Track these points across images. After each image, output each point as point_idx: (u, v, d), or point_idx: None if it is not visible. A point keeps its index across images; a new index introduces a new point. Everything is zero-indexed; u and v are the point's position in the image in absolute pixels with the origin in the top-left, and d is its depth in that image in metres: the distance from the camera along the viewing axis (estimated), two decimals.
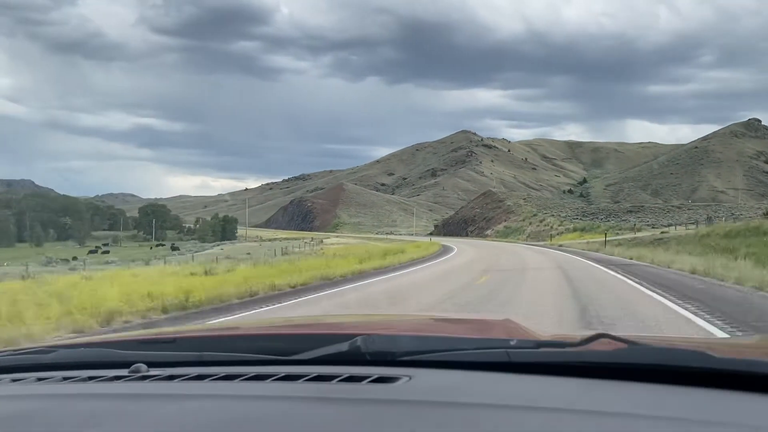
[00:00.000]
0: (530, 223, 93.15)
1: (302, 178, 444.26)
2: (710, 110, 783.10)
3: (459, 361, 1.54)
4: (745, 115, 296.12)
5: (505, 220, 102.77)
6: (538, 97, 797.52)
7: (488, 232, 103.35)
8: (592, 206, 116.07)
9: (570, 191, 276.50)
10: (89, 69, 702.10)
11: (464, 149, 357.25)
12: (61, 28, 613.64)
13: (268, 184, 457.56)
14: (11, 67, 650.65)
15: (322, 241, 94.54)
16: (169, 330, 2.74)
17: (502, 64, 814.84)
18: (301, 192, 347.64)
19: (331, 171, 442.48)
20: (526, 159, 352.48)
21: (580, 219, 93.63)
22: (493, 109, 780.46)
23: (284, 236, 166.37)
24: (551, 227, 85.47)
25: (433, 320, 3.02)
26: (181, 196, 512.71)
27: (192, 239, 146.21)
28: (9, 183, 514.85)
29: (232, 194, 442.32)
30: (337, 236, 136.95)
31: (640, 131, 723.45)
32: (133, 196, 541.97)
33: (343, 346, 1.61)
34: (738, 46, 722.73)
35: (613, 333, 1.59)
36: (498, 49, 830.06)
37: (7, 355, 1.89)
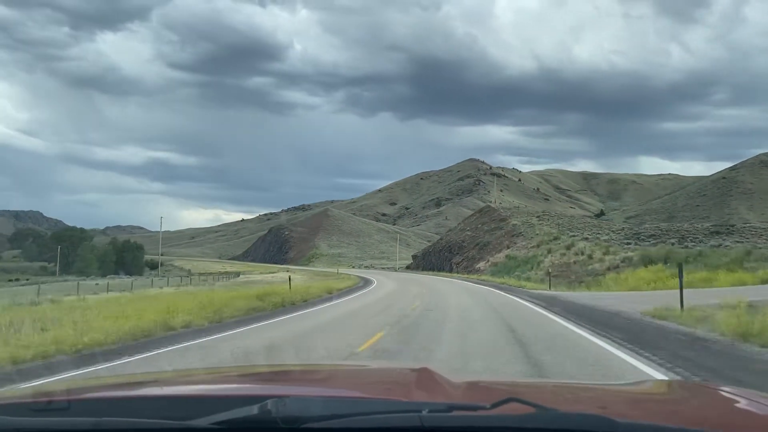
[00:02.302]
0: (549, 251, 52.60)
1: (302, 208, 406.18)
2: (722, 147, 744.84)
3: (374, 427, 1.49)
4: (757, 152, 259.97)
5: (508, 247, 62.27)
6: (550, 134, 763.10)
7: (481, 264, 62.74)
8: (645, 225, 75.14)
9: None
10: (105, 103, 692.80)
11: (471, 177, 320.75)
12: (79, 64, 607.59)
13: (266, 214, 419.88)
14: (30, 102, 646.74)
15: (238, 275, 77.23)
16: (61, 390, 2.28)
17: (513, 100, 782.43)
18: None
19: (332, 201, 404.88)
20: (537, 189, 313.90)
21: (634, 244, 53.08)
22: (504, 144, 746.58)
23: (221, 269, 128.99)
24: (589, 256, 45.16)
25: (346, 372, 2.91)
26: (188, 229, 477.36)
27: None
28: (17, 214, 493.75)
29: (226, 225, 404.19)
30: (286, 271, 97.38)
31: (651, 167, 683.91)
32: (141, 228, 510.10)
33: (252, 410, 1.51)
34: (750, 83, 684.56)
35: (523, 396, 1.58)
36: (509, 86, 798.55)
37: None
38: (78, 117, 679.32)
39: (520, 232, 66.08)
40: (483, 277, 53.33)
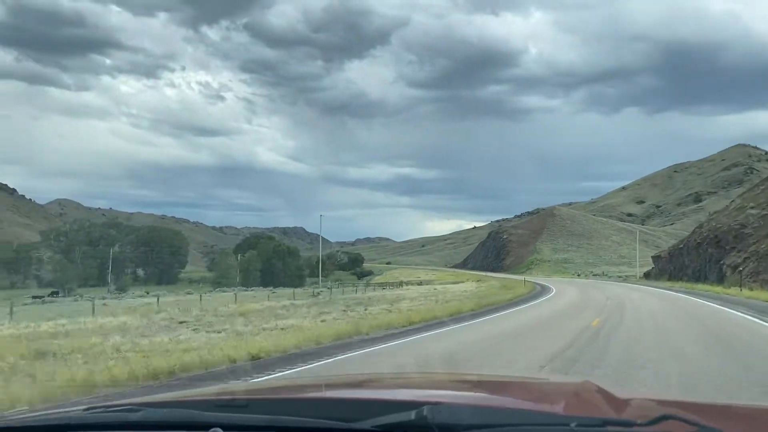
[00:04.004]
0: None
1: (535, 213, 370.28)
2: None
3: None
4: None
5: None
6: None
7: None
8: None
9: None
10: (355, 127, 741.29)
11: (741, 166, 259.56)
12: (331, 92, 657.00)
13: (498, 221, 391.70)
14: (294, 131, 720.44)
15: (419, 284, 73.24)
16: (242, 390, 2.98)
17: None
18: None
19: (570, 204, 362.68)
20: None
21: None
22: None
23: (414, 277, 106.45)
24: None
25: (504, 383, 2.91)
26: (420, 238, 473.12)
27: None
28: (284, 230, 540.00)
29: (456, 233, 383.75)
30: (477, 280, 70.65)
31: None
32: (387, 239, 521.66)
33: (410, 415, 1.57)
34: None
35: (683, 414, 1.51)
36: None
37: (99, 412, 1.95)
38: (333, 141, 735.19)
39: None
40: None
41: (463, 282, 77.36)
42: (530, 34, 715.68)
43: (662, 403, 2.08)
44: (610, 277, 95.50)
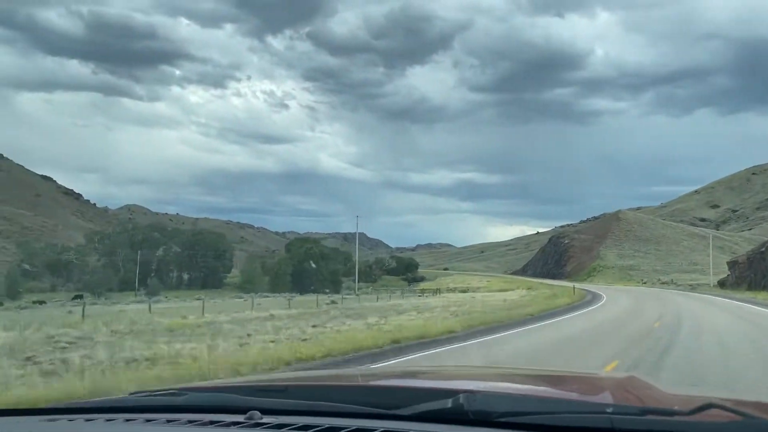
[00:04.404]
0: None
1: (600, 218, 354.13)
2: None
3: (561, 425, 1.49)
4: None
5: None
6: None
7: None
8: None
9: None
10: (416, 132, 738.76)
11: None
12: (393, 98, 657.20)
13: (562, 226, 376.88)
14: (356, 138, 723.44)
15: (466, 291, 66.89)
16: (282, 377, 3.06)
17: None
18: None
19: (638, 208, 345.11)
20: None
21: None
22: None
23: (479, 284, 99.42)
24: None
25: (542, 375, 2.89)
26: (480, 244, 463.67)
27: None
28: (345, 236, 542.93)
29: (518, 239, 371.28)
30: (528, 288, 64.04)
31: None
32: (448, 245, 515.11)
33: (446, 403, 1.60)
34: None
35: (727, 404, 1.45)
36: None
37: (144, 396, 2.06)
38: (394, 147, 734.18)
39: None
40: None
41: (512, 290, 70.82)
42: (597, 35, 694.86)
43: (708, 398, 1.98)
44: (678, 285, 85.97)
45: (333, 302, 44.39)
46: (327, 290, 78.22)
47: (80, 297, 68.16)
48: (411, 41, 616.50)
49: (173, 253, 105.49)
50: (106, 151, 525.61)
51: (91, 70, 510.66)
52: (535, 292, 54.07)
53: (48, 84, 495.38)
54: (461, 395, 1.57)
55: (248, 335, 15.76)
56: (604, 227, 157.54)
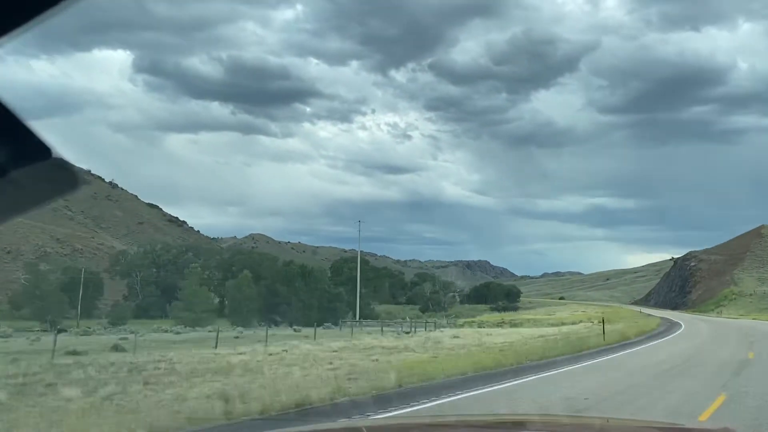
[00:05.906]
0: None
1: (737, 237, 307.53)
2: None
3: None
4: None
5: None
6: None
7: None
8: None
9: None
10: (542, 157, 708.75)
11: None
12: (517, 124, 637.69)
13: (706, 250, 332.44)
14: (479, 165, 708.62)
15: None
16: (366, 425, 3.23)
17: None
18: None
19: None
20: None
21: None
22: None
23: (575, 317, 79.87)
24: None
25: (635, 427, 2.73)
26: (607, 271, 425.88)
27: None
28: (468, 264, 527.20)
29: (650, 265, 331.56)
30: (600, 321, 45.04)
31: None
32: (578, 273, 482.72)
33: None
34: None
35: None
36: None
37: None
38: (519, 173, 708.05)
39: None
40: None
41: (579, 322, 52.87)
42: (739, 47, 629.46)
43: None
44: None
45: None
46: (324, 320, 62.36)
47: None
48: (535, 65, 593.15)
49: (204, 276, 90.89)
50: (245, 185, 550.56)
51: (230, 110, 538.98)
52: (586, 329, 36.92)
53: (193, 125, 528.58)
54: None
55: None
56: (741, 246, 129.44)
